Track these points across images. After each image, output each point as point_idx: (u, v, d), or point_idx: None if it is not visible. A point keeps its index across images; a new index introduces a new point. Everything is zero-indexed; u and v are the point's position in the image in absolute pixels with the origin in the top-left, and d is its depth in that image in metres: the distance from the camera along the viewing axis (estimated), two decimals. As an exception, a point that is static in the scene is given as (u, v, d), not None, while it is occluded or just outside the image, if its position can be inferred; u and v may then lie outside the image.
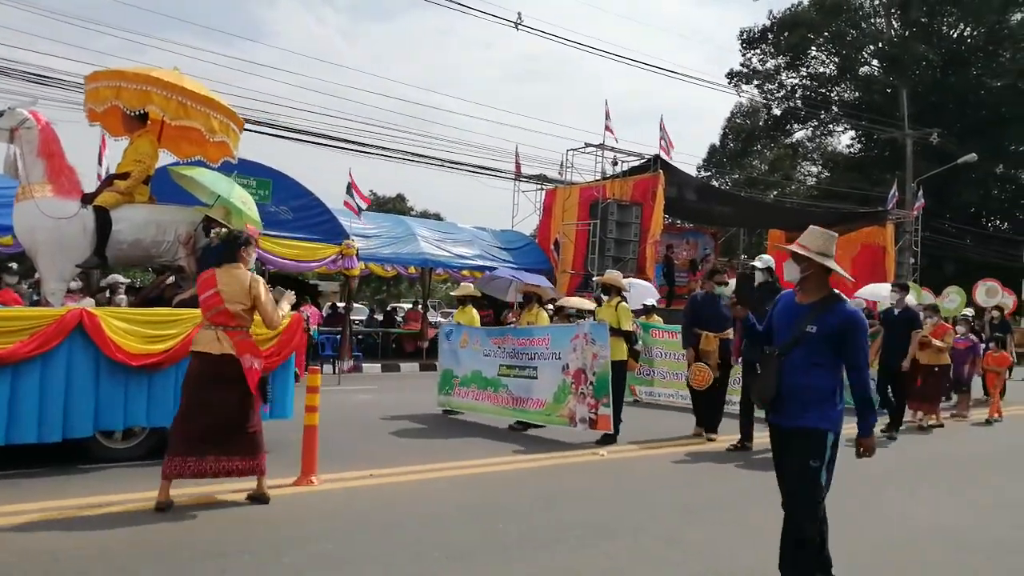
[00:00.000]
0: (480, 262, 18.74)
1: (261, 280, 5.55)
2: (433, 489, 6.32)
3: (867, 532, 5.38)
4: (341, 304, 19.08)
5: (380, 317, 23.81)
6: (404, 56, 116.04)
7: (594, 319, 8.98)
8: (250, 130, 19.08)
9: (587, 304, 10.07)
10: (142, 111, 7.13)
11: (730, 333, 8.94)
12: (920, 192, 27.92)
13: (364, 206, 16.74)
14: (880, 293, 15.64)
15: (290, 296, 6.14)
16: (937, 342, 10.90)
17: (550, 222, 21.96)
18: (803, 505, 3.84)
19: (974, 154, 29.13)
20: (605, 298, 9.34)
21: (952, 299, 18.20)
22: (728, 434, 8.92)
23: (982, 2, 38.68)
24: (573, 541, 4.89)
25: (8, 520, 4.83)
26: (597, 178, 21.76)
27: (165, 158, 7.92)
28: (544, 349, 8.96)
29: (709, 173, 44.79)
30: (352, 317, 17.27)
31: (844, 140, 47.49)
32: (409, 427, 9.23)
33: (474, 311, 11.14)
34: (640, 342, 12.24)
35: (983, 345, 13.61)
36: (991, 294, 18.81)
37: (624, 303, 9.07)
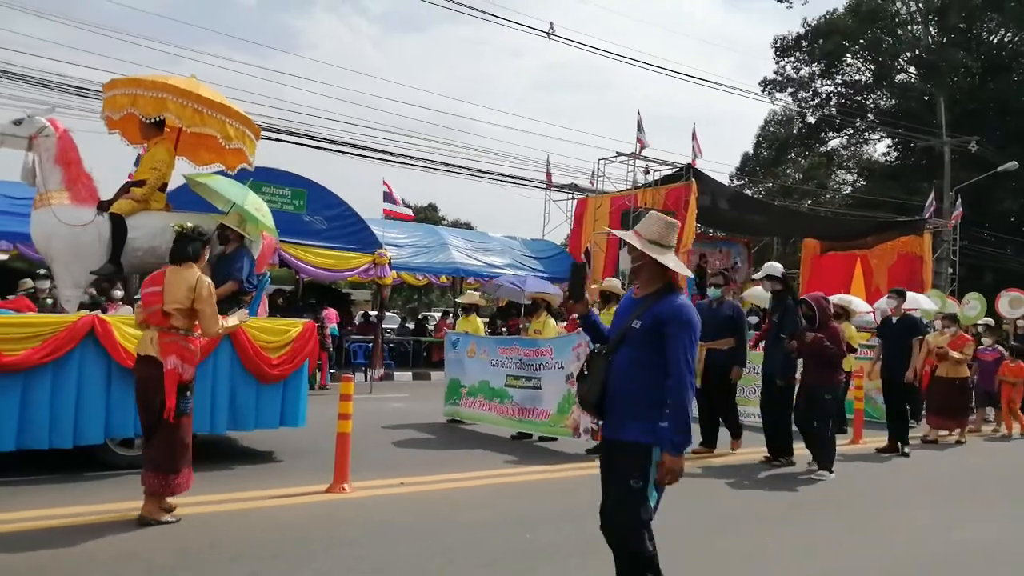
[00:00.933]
0: (511, 271, 18.79)
1: (208, 283, 5.21)
2: (464, 498, 6.34)
3: (892, 550, 5.30)
4: (373, 313, 19.22)
5: (411, 326, 23.95)
6: (436, 66, 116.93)
7: None
8: (285, 140, 19.45)
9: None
10: (159, 118, 7.14)
11: (724, 343, 8.53)
12: (958, 200, 27.44)
13: (407, 211, 16.97)
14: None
15: (242, 314, 5.95)
16: (955, 354, 10.43)
17: (581, 231, 21.96)
18: (622, 528, 3.43)
19: (1015, 162, 28.56)
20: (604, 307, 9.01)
21: (972, 306, 17.33)
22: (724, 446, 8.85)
23: (1022, 6, 38.02)
24: (604, 551, 4.87)
25: (39, 524, 4.94)
26: (629, 187, 21.72)
27: (183, 166, 7.96)
28: (548, 359, 8.87)
29: (742, 182, 44.40)
30: (384, 326, 17.38)
31: (880, 148, 46.94)
32: (440, 436, 9.28)
33: (479, 320, 11.11)
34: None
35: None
36: (1016, 305, 17.82)
37: None
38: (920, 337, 9.46)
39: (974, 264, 32.64)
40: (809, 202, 40.63)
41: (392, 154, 21.25)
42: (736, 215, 24.17)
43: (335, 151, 20.55)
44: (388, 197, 18.12)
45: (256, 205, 7.63)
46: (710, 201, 21.14)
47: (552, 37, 21.37)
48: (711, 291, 9.09)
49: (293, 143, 19.52)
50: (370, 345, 16.21)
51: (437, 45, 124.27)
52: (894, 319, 9.73)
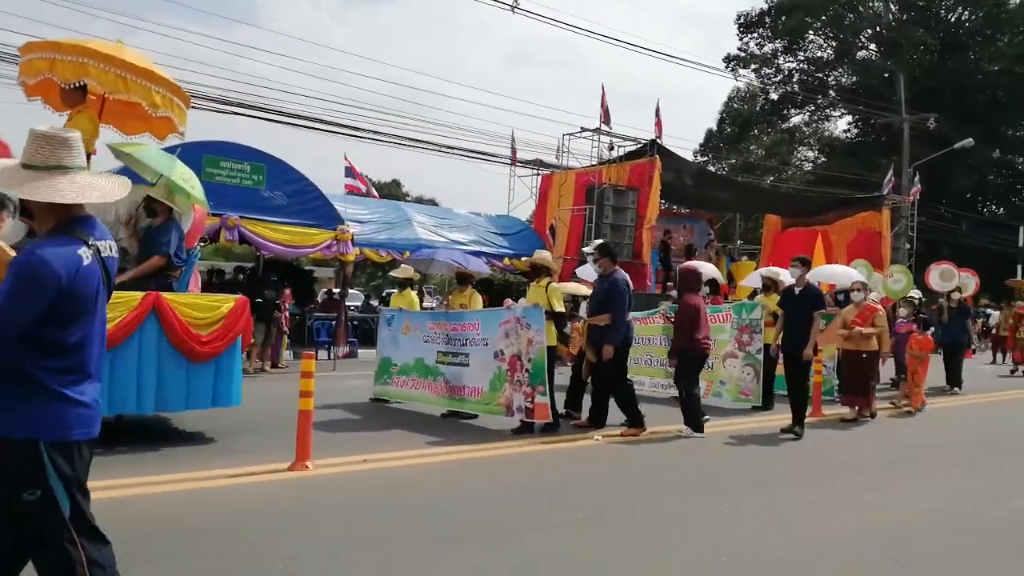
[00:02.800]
0: (476, 247, 18.68)
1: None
2: (429, 474, 6.30)
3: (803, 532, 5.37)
4: (336, 290, 19.02)
5: (375, 303, 23.77)
6: (399, 40, 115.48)
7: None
8: (243, 114, 19.08)
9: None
10: (79, 84, 6.69)
11: (602, 319, 8.12)
12: (916, 177, 27.90)
13: (364, 188, 16.76)
14: (835, 273, 14.37)
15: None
16: (864, 329, 9.90)
17: (546, 207, 21.90)
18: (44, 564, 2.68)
19: (971, 139, 29.12)
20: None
21: (897, 279, 16.92)
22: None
23: (980, -14, 38.60)
24: (572, 524, 4.88)
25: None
26: (593, 163, 21.69)
27: (111, 136, 7.51)
28: (474, 335, 8.55)
29: (706, 158, 44.71)
30: (347, 303, 17.21)
31: (841, 125, 47.54)
32: (404, 412, 9.21)
33: (414, 295, 10.77)
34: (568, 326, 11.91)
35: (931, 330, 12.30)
36: (946, 277, 17.58)
37: (554, 284, 8.56)
38: (820, 310, 8.88)
39: (931, 240, 33.28)
40: (771, 178, 41.07)
41: (355, 128, 20.97)
42: (700, 191, 24.29)
43: (295, 125, 20.22)
44: (350, 173, 17.88)
45: (185, 176, 7.32)
46: (674, 177, 21.20)
47: (516, 10, 21.14)
48: (595, 266, 8.70)
49: (252, 116, 19.18)
50: (333, 323, 16.06)
51: (401, 18, 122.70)
52: (796, 290, 9.05)
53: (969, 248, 36.35)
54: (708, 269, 16.02)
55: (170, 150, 12.82)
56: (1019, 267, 34.63)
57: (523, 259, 8.99)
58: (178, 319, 6.64)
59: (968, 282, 18.98)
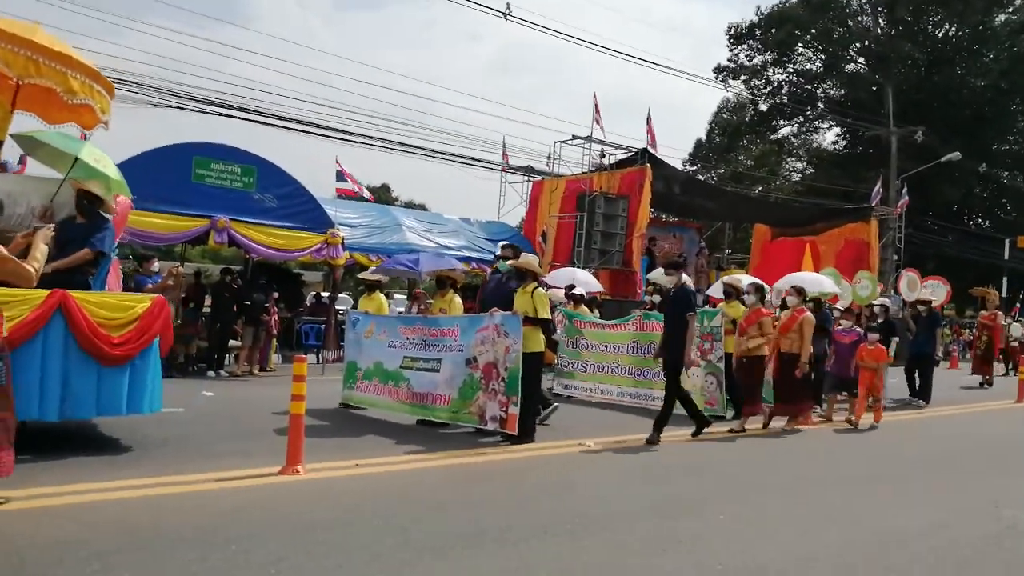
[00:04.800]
0: (466, 253, 18.66)
1: None
2: (421, 479, 6.25)
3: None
4: (326, 294, 18.93)
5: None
6: (390, 45, 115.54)
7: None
8: (233, 116, 19.00)
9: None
10: None
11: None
12: (904, 189, 28.11)
13: (358, 190, 16.75)
14: (804, 280, 13.56)
15: (44, 234, 5.22)
16: (754, 341, 9.34)
17: (536, 214, 21.92)
18: None
19: (958, 152, 29.39)
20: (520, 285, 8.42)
21: (864, 285, 16.91)
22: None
23: (966, 3, 38.98)
24: (561, 534, 4.84)
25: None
26: (584, 170, 21.73)
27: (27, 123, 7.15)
28: (452, 341, 8.35)
29: (695, 167, 44.92)
30: (337, 307, 17.14)
31: (829, 137, 47.87)
32: (396, 416, 9.13)
33: (382, 298, 10.50)
34: (563, 332, 11.85)
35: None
36: (912, 286, 17.51)
37: (540, 290, 8.27)
38: (692, 313, 8.44)
39: (918, 251, 33.51)
40: (760, 188, 41.28)
41: (345, 132, 20.91)
42: (688, 200, 24.38)
43: (286, 128, 20.14)
44: (341, 176, 17.83)
45: (96, 157, 6.99)
46: (664, 186, 21.28)
47: (508, 17, 21.21)
48: (501, 264, 8.74)
49: (242, 119, 19.09)
50: (322, 327, 15.97)
51: (391, 24, 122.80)
52: (671, 292, 8.78)
53: (955, 260, 36.64)
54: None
55: (157, 151, 12.86)
56: (1004, 279, 34.86)
57: (509, 262, 8.75)
58: (87, 319, 6.14)
59: (939, 291, 18.76)
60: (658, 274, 16.98)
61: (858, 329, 11.31)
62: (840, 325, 11.36)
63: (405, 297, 19.84)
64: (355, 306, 14.76)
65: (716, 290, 13.13)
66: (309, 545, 4.36)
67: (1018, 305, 27.81)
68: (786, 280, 14.49)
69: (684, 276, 8.83)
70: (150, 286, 11.01)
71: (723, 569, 4.29)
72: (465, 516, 5.13)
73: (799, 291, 10.26)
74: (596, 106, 20.96)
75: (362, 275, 11.42)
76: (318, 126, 20.57)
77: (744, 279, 11.97)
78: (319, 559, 4.14)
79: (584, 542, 4.67)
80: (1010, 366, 22.67)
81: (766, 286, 11.82)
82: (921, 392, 13.50)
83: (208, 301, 14.24)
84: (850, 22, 43.27)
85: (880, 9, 42.00)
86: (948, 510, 6.02)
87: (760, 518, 5.46)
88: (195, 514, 4.88)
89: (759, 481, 6.83)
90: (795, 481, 6.93)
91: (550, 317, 8.62)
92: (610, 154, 21.72)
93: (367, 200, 17.71)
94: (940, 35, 42.67)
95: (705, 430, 8.72)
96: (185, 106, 18.19)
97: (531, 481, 6.40)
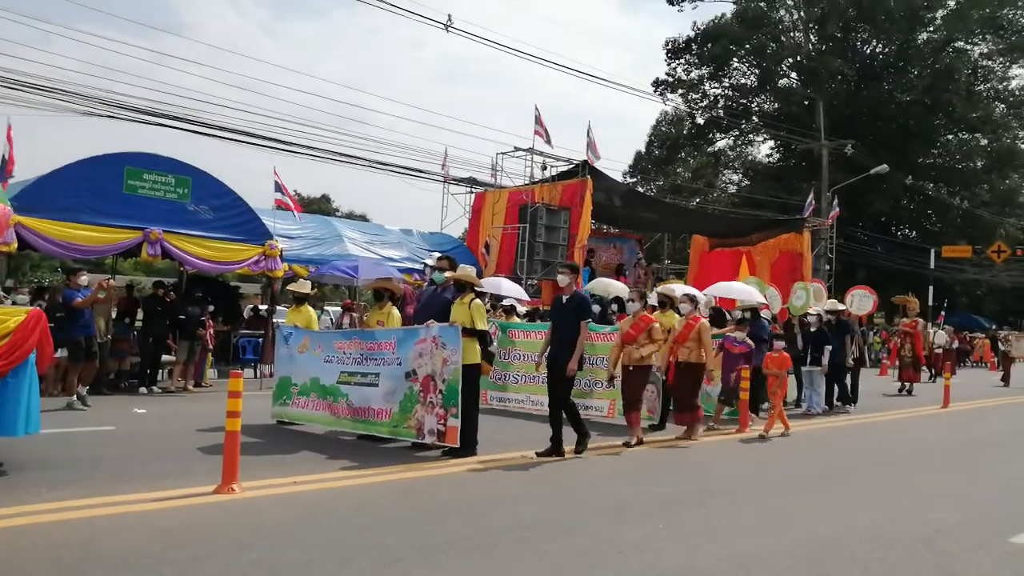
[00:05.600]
0: (409, 264, 18.54)
1: None
2: (361, 495, 6.17)
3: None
4: (263, 307, 18.60)
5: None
6: (330, 55, 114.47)
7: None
8: (167, 126, 18.53)
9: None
10: None
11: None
12: (835, 201, 28.97)
13: (297, 215, 16.53)
14: (734, 289, 14.27)
15: None
16: (642, 350, 8.82)
17: (479, 225, 21.91)
18: None
19: (885, 165, 30.44)
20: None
21: (799, 296, 17.15)
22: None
23: (891, 21, 40.53)
24: (507, 544, 4.83)
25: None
26: (526, 182, 21.83)
27: None
28: (389, 354, 8.22)
29: (635, 179, 45.54)
30: (275, 320, 16.84)
31: (764, 150, 49.07)
32: (336, 432, 9.00)
33: (311, 311, 10.26)
34: (496, 344, 11.57)
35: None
36: (817, 296, 17.90)
37: (478, 300, 8.11)
38: (586, 320, 8.20)
39: (849, 261, 34.54)
40: (698, 200, 42.06)
41: (284, 142, 20.56)
42: (629, 211, 24.68)
43: (222, 138, 19.69)
44: (279, 187, 17.53)
45: None
46: (604, 197, 21.50)
47: (450, 29, 21.18)
48: (436, 275, 8.75)
49: (176, 128, 18.58)
50: (260, 340, 15.67)
51: (332, 33, 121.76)
52: (564, 298, 8.34)
53: (885, 269, 37.87)
54: (616, 287, 16.38)
55: (88, 161, 12.48)
56: (931, 288, 36.16)
57: (446, 274, 8.67)
58: None
59: (865, 301, 19.14)
60: (598, 284, 17.19)
61: (749, 342, 11.04)
62: (732, 335, 11.16)
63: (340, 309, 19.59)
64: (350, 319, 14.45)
65: (652, 300, 13.22)
66: (247, 566, 4.26)
67: (943, 313, 28.86)
68: (714, 289, 14.79)
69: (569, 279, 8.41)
70: (79, 300, 10.67)
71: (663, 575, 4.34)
72: (412, 530, 5.08)
73: (692, 299, 10.15)
74: (538, 119, 21.05)
75: (290, 287, 10.93)
76: (256, 136, 20.20)
77: (678, 288, 12.10)
78: (257, 580, 4.05)
79: (535, 549, 4.67)
80: (933, 373, 23.51)
81: (700, 295, 11.98)
82: (842, 398, 13.82)
83: (141, 315, 13.84)
84: (783, 38, 44.54)
85: (811, 25, 43.37)
86: (879, 513, 6.19)
87: (705, 524, 5.54)
88: (129, 536, 4.72)
89: (700, 488, 6.93)
90: (739, 486, 7.04)
91: (487, 329, 8.50)
92: (551, 166, 21.88)
93: (299, 219, 17.30)
94: (868, 51, 44.21)
95: (627, 444, 8.60)
96: (118, 115, 17.68)
97: (476, 493, 6.38)
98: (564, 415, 8.16)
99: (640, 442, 8.86)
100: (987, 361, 34.12)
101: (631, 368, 8.94)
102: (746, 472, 7.96)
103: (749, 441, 9.89)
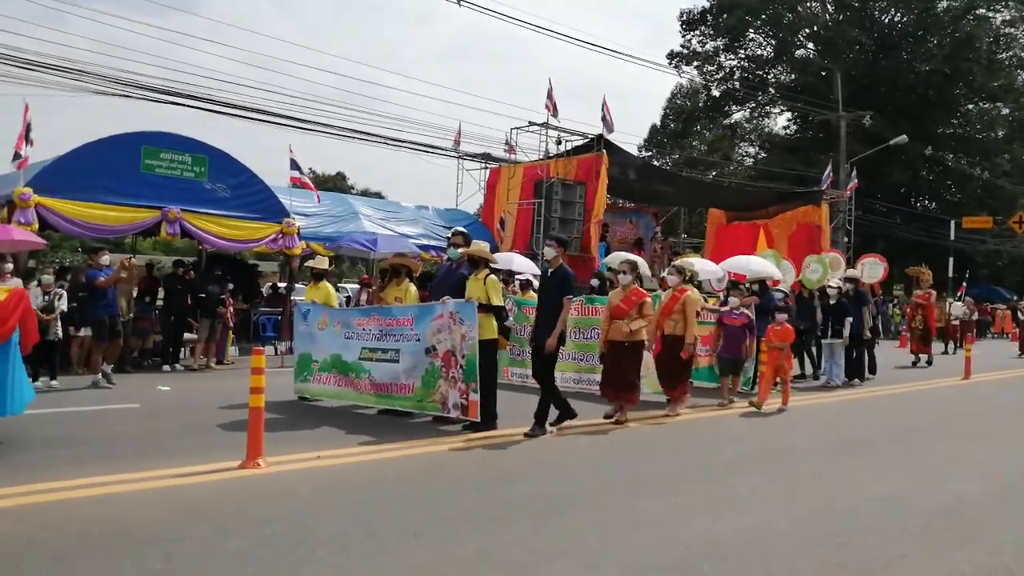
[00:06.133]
0: (425, 241, 18.55)
1: None
2: (383, 469, 6.24)
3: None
4: (282, 284, 18.71)
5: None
6: (342, 31, 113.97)
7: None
8: (183, 104, 18.56)
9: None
10: None
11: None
12: (853, 173, 28.66)
13: (314, 193, 16.54)
14: (751, 263, 14.04)
15: None
16: (634, 323, 8.48)
17: (494, 200, 21.86)
18: None
19: (904, 136, 30.07)
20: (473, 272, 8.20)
21: (814, 269, 16.76)
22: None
23: (910, -12, 39.83)
24: (528, 516, 4.88)
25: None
26: (541, 157, 21.73)
27: None
28: (408, 330, 8.29)
29: (650, 153, 45.24)
30: (293, 298, 16.95)
31: (780, 122, 48.57)
32: (355, 407, 9.09)
33: (330, 287, 10.30)
34: (512, 320, 11.33)
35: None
36: (834, 266, 17.52)
37: (492, 276, 8.10)
38: (569, 296, 7.91)
39: (868, 233, 34.22)
40: (714, 173, 41.76)
41: (299, 120, 20.56)
42: (644, 185, 24.53)
43: (237, 116, 19.72)
44: (295, 165, 17.56)
45: None
46: (619, 172, 21.37)
47: (462, 3, 21.00)
48: (451, 251, 8.72)
49: (192, 107, 18.60)
50: (279, 318, 15.79)
51: (344, 9, 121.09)
52: (549, 271, 8.17)
53: (904, 241, 37.54)
54: (636, 261, 16.27)
55: (105, 140, 12.54)
56: (951, 260, 35.80)
57: (460, 250, 8.66)
58: None
59: (875, 269, 18.47)
60: (613, 258, 17.13)
61: (747, 312, 10.82)
62: (728, 306, 10.97)
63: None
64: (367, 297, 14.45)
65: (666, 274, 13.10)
66: (273, 539, 4.33)
67: (964, 285, 28.57)
68: (729, 263, 14.68)
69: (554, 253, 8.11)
70: (101, 279, 10.77)
71: (685, 548, 4.37)
72: (432, 503, 5.14)
73: (679, 270, 9.86)
74: (550, 93, 20.90)
75: (308, 263, 10.92)
76: (270, 113, 20.19)
77: (695, 263, 11.94)
78: (285, 554, 4.12)
79: (553, 522, 4.72)
80: (950, 344, 23.36)
81: (641, 261, 11.65)
82: (856, 371, 13.58)
83: (161, 294, 13.97)
84: (799, 8, 43.88)
85: (828, -6, 42.75)
86: (899, 484, 6.19)
87: (724, 496, 5.57)
88: (156, 511, 4.81)
89: (720, 461, 6.95)
90: (752, 458, 7.06)
91: (503, 304, 8.47)
92: (566, 140, 21.73)
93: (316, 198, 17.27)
94: (886, 21, 43.52)
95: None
96: (133, 94, 17.72)
97: (495, 467, 6.43)
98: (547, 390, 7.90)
99: (619, 422, 8.49)
100: (1008, 332, 33.85)
101: (625, 344, 8.53)
102: (762, 444, 7.97)
103: (749, 415, 9.73)
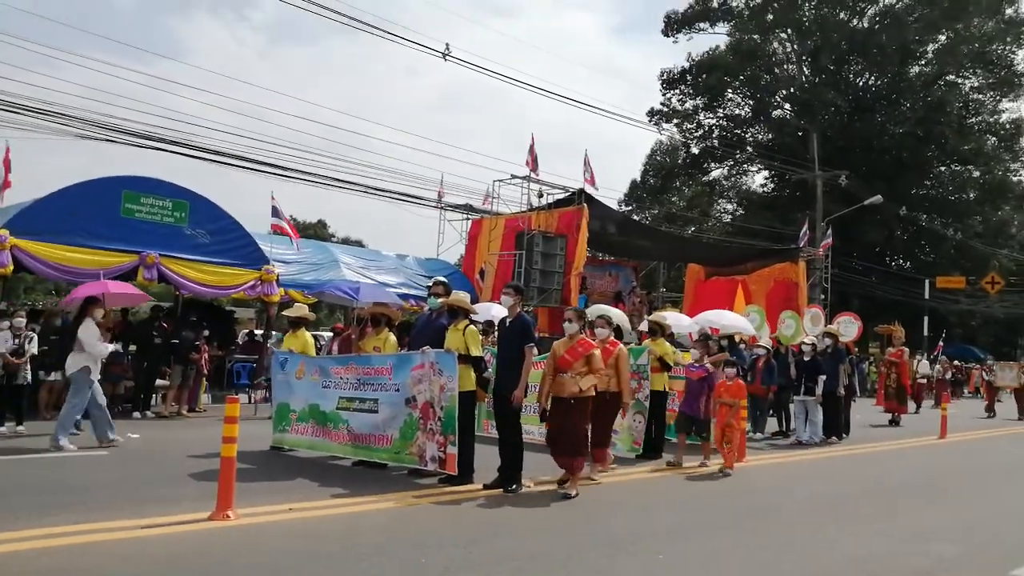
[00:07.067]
0: (405, 290, 18.53)
1: None
2: (357, 522, 6.10)
3: None
4: (258, 331, 18.53)
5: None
6: (326, 81, 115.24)
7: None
8: (165, 149, 18.55)
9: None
10: None
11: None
12: (829, 231, 29.11)
13: (294, 242, 16.50)
14: (724, 317, 14.32)
15: None
16: (582, 378, 7.56)
17: (475, 251, 21.94)
18: None
19: (879, 196, 30.66)
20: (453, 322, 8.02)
21: (788, 325, 16.99)
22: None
23: (883, 54, 41.04)
24: (504, 573, 4.77)
25: None
26: (523, 209, 21.89)
27: None
28: (387, 379, 8.17)
29: (630, 207, 45.77)
30: (270, 345, 16.78)
31: (758, 179, 49.38)
32: (331, 458, 8.92)
33: (308, 336, 10.12)
34: (491, 371, 11.25)
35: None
36: (815, 321, 17.45)
37: (472, 327, 7.93)
38: (530, 345, 7.57)
39: (844, 291, 34.60)
40: (693, 229, 42.23)
41: (281, 168, 20.60)
42: (624, 239, 24.77)
43: (219, 162, 19.74)
44: (276, 212, 17.55)
45: None
46: (599, 225, 21.57)
47: (448, 58, 21.34)
48: (431, 300, 8.56)
49: (174, 152, 18.59)
50: (254, 365, 15.59)
51: (328, 59, 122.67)
52: (507, 321, 7.88)
53: (879, 299, 37.96)
54: (615, 314, 16.35)
55: (86, 184, 12.49)
56: (926, 319, 36.22)
57: (440, 300, 8.53)
58: None
59: (850, 327, 18.25)
60: (593, 310, 17.13)
61: (708, 366, 10.13)
62: (688, 360, 10.46)
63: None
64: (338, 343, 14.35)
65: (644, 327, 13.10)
66: (241, 594, 4.19)
67: (940, 344, 28.83)
68: (702, 318, 14.72)
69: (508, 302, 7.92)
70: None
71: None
72: (406, 558, 5.02)
73: (608, 322, 9.14)
74: (531, 148, 21.16)
75: (287, 312, 10.82)
76: (253, 160, 20.24)
77: (668, 316, 11.92)
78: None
79: (526, 585, 4.62)
80: (915, 404, 23.23)
81: (621, 315, 11.51)
82: (833, 429, 13.44)
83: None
84: (776, 70, 45.04)
85: (805, 58, 43.90)
86: (877, 545, 6.14)
87: (702, 556, 5.48)
88: (123, 564, 4.65)
89: (697, 520, 6.87)
90: (728, 519, 6.98)
91: (482, 355, 8.27)
92: (548, 193, 21.95)
93: (295, 247, 17.23)
94: (861, 84, 44.70)
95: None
96: (116, 139, 17.71)
97: (472, 521, 6.31)
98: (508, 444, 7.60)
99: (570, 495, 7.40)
100: (983, 392, 34.12)
101: (571, 401, 7.58)
102: (734, 504, 7.89)
103: (706, 477, 9.50)
